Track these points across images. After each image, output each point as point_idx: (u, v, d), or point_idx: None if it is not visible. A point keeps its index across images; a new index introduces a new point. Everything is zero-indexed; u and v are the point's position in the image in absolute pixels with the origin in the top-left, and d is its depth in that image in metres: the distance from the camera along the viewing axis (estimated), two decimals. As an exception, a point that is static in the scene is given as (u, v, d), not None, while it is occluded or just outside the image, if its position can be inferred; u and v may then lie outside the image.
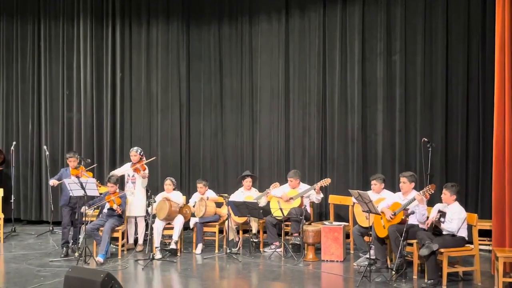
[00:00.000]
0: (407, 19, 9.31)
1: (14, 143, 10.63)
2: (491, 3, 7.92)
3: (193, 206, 8.95)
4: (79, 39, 10.94)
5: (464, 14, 8.89)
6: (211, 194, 9.08)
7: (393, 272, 7.05)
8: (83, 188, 7.96)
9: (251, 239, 8.75)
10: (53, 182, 8.81)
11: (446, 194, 7.07)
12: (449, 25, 9.01)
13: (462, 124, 8.94)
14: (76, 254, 8.12)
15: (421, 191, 7.24)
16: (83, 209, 8.17)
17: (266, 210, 8.79)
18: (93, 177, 8.81)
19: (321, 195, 9.00)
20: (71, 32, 11.01)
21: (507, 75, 7.12)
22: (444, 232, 6.98)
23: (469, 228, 7.12)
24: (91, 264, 7.89)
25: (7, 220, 10.00)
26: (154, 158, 9.76)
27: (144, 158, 9.10)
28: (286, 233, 8.85)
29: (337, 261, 8.10)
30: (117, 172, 9.12)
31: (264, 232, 8.96)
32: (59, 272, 7.39)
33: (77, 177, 8.34)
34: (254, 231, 8.85)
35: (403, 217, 7.22)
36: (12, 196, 10.36)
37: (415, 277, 7.20)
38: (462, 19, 8.91)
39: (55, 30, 11.09)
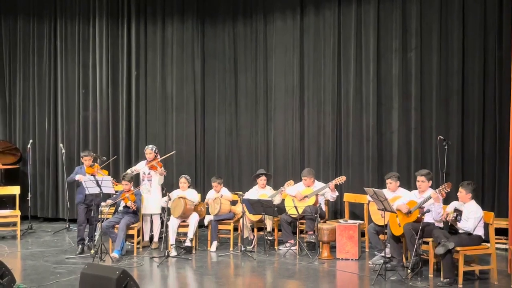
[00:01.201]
0: (423, 16, 9.23)
1: (30, 141, 10.73)
2: (508, 1, 7.84)
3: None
4: (95, 38, 11.02)
5: (481, 12, 8.80)
6: (225, 192, 9.08)
7: (409, 271, 7.02)
8: (98, 185, 8.02)
9: (266, 237, 8.74)
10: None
11: (462, 192, 7.01)
12: (465, 23, 8.92)
13: (478, 122, 8.86)
14: (92, 251, 8.17)
15: (437, 190, 7.19)
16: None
17: (281, 208, 8.78)
18: (109, 175, 8.87)
19: (336, 193, 8.96)
20: (87, 31, 11.09)
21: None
22: (460, 231, 6.93)
23: (486, 226, 7.05)
24: (107, 261, 7.95)
25: (24, 218, 10.08)
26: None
27: (159, 156, 9.14)
28: (301, 231, 8.85)
29: (352, 259, 8.08)
30: (134, 169, 9.16)
31: (279, 230, 8.96)
32: (75, 269, 7.46)
33: (93, 175, 8.39)
34: (268, 229, 8.86)
35: (419, 215, 7.17)
36: (29, 193, 10.46)
37: (430, 275, 7.16)
38: (479, 16, 8.82)
39: (71, 29, 11.18)
